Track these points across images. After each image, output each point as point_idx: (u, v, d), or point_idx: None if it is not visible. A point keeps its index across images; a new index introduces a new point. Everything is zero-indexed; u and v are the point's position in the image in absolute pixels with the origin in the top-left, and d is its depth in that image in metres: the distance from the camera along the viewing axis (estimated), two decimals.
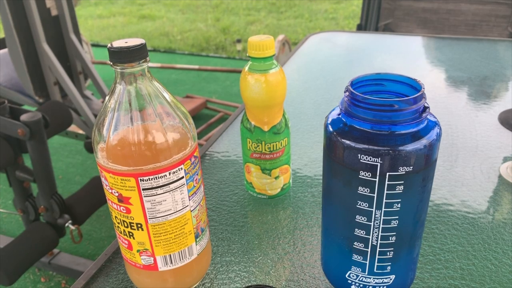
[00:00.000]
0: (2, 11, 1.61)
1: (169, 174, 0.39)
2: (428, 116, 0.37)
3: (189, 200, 0.42)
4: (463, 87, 0.94)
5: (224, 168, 0.69)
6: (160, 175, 0.39)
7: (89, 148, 1.88)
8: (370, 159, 0.35)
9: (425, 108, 0.36)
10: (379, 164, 0.35)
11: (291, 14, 4.99)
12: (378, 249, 0.39)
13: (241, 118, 0.58)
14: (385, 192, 0.36)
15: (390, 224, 0.38)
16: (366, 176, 0.36)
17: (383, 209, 0.37)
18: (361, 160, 0.36)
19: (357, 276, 0.41)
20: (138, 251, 0.43)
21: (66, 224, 1.31)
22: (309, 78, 1.03)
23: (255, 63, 0.54)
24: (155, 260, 0.43)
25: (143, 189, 0.39)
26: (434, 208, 0.58)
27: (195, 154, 0.42)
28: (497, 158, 0.68)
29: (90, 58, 3.04)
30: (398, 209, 0.37)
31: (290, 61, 1.14)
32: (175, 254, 0.43)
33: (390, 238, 0.38)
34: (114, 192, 0.40)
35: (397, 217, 0.37)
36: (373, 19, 1.91)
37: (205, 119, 2.62)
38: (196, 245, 0.45)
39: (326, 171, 0.40)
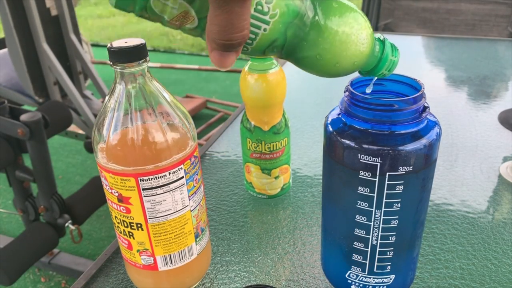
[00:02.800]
0: (2, 11, 1.61)
1: (169, 174, 0.39)
2: (428, 116, 0.37)
3: (189, 200, 0.42)
4: (463, 87, 0.94)
5: (224, 168, 0.69)
6: (160, 175, 0.39)
7: (89, 148, 1.88)
8: (370, 159, 0.35)
9: (425, 108, 0.36)
10: (379, 164, 0.35)
11: None
12: (378, 249, 0.39)
13: (241, 118, 0.58)
14: (385, 192, 0.36)
15: (390, 224, 0.38)
16: (366, 176, 0.36)
17: (383, 209, 0.37)
18: (361, 160, 0.36)
19: (357, 276, 0.41)
20: (138, 251, 0.43)
21: (66, 224, 1.31)
22: (309, 78, 1.03)
23: (255, 63, 0.54)
24: (155, 260, 0.43)
25: (143, 189, 0.39)
26: (434, 208, 0.58)
27: (195, 154, 0.42)
28: (497, 158, 0.68)
29: (90, 58, 3.04)
30: (398, 209, 0.37)
31: None
32: (175, 254, 0.43)
33: (390, 238, 0.38)
34: (114, 192, 0.40)
35: (397, 217, 0.37)
36: (373, 19, 1.91)
37: (205, 119, 2.62)
38: (196, 245, 0.45)
39: (326, 171, 0.40)
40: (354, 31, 0.32)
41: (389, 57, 0.35)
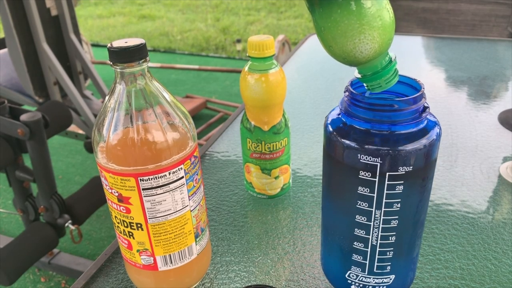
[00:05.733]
0: (2, 11, 1.61)
1: (169, 174, 0.39)
2: (428, 116, 0.37)
3: (189, 200, 0.42)
4: (463, 87, 0.94)
5: (224, 168, 0.69)
6: (160, 175, 0.39)
7: (89, 148, 1.88)
8: (370, 159, 0.35)
9: (425, 108, 0.36)
10: (379, 164, 0.35)
11: (291, 14, 4.99)
12: (378, 249, 0.39)
13: (241, 118, 0.58)
14: (385, 192, 0.36)
15: (390, 224, 0.38)
16: (366, 176, 0.36)
17: (383, 209, 0.37)
18: (361, 160, 0.36)
19: (357, 276, 0.41)
20: (138, 251, 0.43)
21: (66, 224, 1.31)
22: (309, 78, 1.03)
23: (255, 63, 0.54)
24: (155, 260, 0.43)
25: (143, 189, 0.39)
26: (434, 208, 0.58)
27: (195, 154, 0.42)
28: (497, 158, 0.68)
29: (90, 58, 3.04)
30: (398, 209, 0.37)
31: (290, 61, 1.14)
32: (175, 254, 0.43)
33: (390, 238, 0.38)
34: (114, 192, 0.40)
35: (397, 217, 0.37)
36: None
37: (205, 119, 2.62)
38: (196, 245, 0.45)
39: (326, 171, 0.40)
40: (358, 39, 0.32)
41: (381, 79, 0.36)
